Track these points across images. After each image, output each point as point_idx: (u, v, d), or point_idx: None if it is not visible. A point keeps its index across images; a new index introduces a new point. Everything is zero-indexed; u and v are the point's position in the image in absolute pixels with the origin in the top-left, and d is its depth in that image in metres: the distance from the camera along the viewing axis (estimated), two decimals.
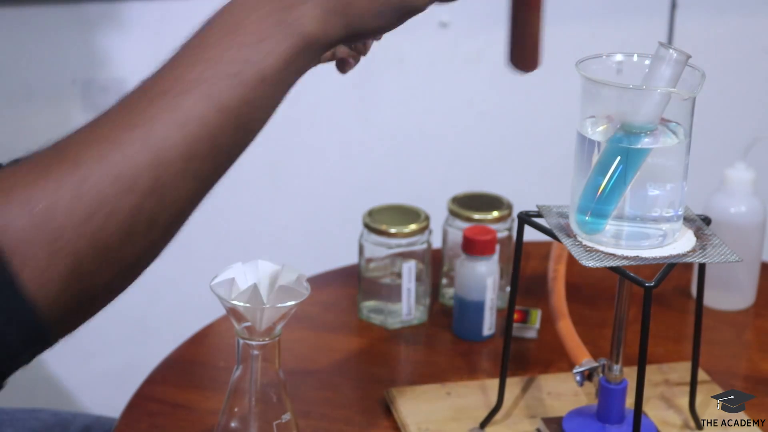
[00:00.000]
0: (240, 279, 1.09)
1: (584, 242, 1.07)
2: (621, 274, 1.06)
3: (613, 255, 1.05)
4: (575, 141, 1.08)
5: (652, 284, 1.03)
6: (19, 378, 1.43)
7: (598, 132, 1.07)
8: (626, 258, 1.05)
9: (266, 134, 1.19)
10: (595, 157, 1.06)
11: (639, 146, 1.05)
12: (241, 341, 1.10)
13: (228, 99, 0.85)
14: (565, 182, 1.29)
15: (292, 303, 1.08)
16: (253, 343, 1.10)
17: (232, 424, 1.13)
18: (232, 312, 1.08)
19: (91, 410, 1.51)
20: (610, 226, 1.06)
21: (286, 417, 1.13)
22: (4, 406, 1.43)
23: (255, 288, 1.08)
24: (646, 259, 1.05)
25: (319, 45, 0.89)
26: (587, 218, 1.07)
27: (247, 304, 1.07)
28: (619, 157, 1.05)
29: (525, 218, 1.13)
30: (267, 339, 1.10)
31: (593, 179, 1.06)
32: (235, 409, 1.13)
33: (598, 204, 1.06)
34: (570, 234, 1.09)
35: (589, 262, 1.04)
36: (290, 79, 0.90)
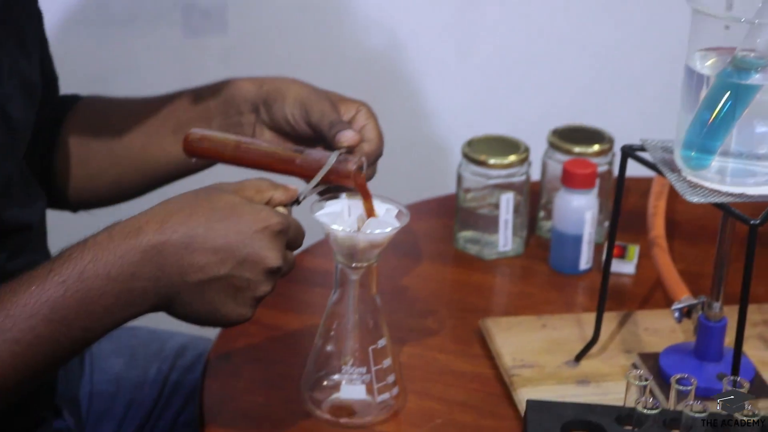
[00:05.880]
0: (343, 207, 1.09)
1: (688, 178, 1.06)
2: (725, 210, 1.04)
3: (718, 191, 1.04)
4: (683, 75, 1.07)
5: (757, 222, 1.02)
6: None
7: (707, 66, 1.05)
8: (731, 195, 1.04)
9: (364, 63, 1.20)
10: (704, 92, 1.04)
11: (749, 82, 1.03)
12: (340, 266, 1.11)
13: (60, 352, 0.99)
14: (665, 118, 1.27)
15: (390, 231, 1.08)
16: (352, 268, 1.10)
17: (328, 348, 1.15)
18: (332, 237, 1.08)
19: (187, 331, 1.52)
20: (715, 162, 1.05)
21: (382, 342, 1.14)
22: None
23: (355, 215, 1.09)
24: (751, 196, 1.04)
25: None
26: (693, 154, 1.05)
27: (347, 230, 1.07)
28: (728, 93, 1.03)
29: (629, 152, 1.12)
30: (365, 264, 1.10)
31: (700, 114, 1.04)
32: (332, 333, 1.14)
33: (704, 139, 1.04)
34: (674, 169, 1.08)
35: (694, 198, 1.03)
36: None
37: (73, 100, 1.34)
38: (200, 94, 1.27)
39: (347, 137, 1.14)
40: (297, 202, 1.06)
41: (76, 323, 0.97)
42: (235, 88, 1.25)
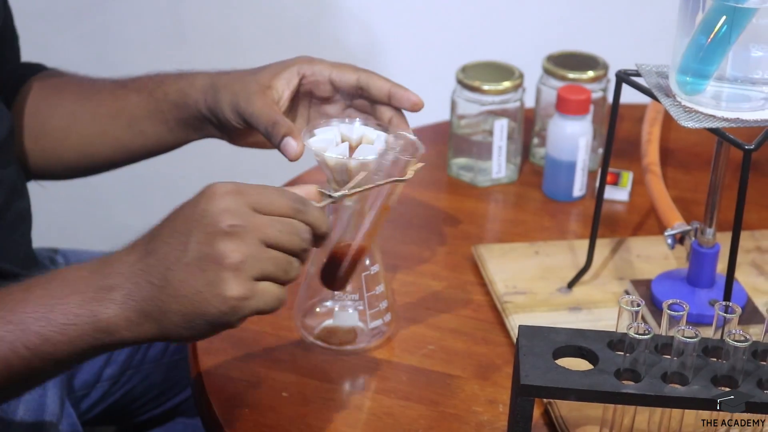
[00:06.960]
0: (335, 134, 1.09)
1: (684, 103, 1.05)
2: (720, 135, 1.04)
3: (713, 116, 1.03)
4: None
5: (751, 147, 1.01)
6: (82, 224, 1.41)
7: None
8: (726, 120, 1.03)
9: None
10: (700, 16, 1.03)
11: (745, 5, 1.01)
12: None
13: (16, 360, 0.90)
14: (660, 44, 1.26)
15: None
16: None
17: None
18: (324, 164, 1.08)
19: None
20: (710, 87, 1.04)
21: (375, 269, 1.13)
22: (63, 247, 1.43)
23: (347, 141, 1.08)
24: (746, 121, 1.03)
25: (127, 344, 0.92)
26: (688, 78, 1.04)
27: (339, 156, 1.06)
28: (724, 16, 1.01)
29: (623, 77, 1.11)
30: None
31: (696, 38, 1.03)
32: (324, 260, 1.14)
33: (699, 64, 1.03)
34: (669, 94, 1.07)
35: (688, 123, 1.02)
36: (81, 361, 0.93)
37: (35, 69, 1.30)
38: (153, 95, 1.23)
39: (290, 148, 1.09)
40: (331, 198, 0.99)
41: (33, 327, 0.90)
42: (187, 96, 1.20)
